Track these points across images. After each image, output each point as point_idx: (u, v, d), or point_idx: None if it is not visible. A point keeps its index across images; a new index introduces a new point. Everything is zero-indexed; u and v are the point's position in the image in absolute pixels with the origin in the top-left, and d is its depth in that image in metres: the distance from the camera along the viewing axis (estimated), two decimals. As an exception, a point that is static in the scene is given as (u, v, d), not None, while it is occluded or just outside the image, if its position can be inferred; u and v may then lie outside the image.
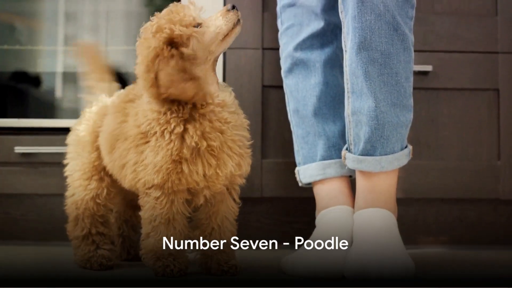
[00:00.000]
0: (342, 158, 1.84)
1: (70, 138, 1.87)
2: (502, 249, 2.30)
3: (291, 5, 1.95)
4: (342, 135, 1.90)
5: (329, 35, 1.93)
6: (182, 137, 1.55)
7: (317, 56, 1.92)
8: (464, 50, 2.31)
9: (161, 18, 1.56)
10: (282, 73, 2.00)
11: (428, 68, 2.25)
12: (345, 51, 1.77)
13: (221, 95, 1.60)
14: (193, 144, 1.54)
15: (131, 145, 1.60)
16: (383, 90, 1.72)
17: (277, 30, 2.06)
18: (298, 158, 1.98)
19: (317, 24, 1.91)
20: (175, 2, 1.60)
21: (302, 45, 1.93)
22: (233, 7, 1.59)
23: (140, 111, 1.61)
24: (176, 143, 1.54)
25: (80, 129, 1.84)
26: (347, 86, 1.78)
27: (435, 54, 2.29)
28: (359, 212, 1.78)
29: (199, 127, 1.54)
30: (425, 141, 2.28)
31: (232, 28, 1.58)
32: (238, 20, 1.59)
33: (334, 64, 1.92)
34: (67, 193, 1.84)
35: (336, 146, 1.90)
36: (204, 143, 1.55)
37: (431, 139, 2.30)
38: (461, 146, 2.31)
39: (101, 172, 1.79)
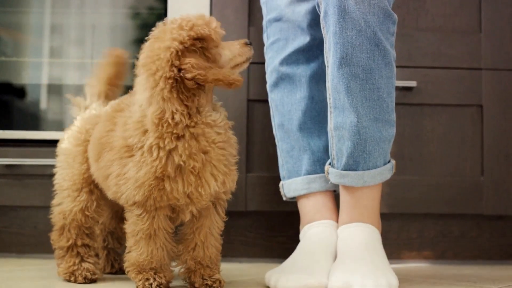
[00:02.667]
0: (325, 173, 1.84)
1: (61, 146, 1.85)
2: (485, 264, 2.31)
3: (277, 19, 1.96)
4: (327, 150, 1.90)
5: (315, 50, 1.94)
6: (169, 154, 1.54)
7: (303, 71, 1.93)
8: (448, 66, 2.32)
9: (195, 18, 1.55)
10: (268, 87, 2.00)
11: (412, 84, 2.27)
12: (327, 66, 1.78)
13: (213, 115, 1.59)
14: (181, 163, 1.54)
15: (115, 156, 1.59)
16: (365, 105, 1.73)
17: (262, 45, 2.07)
18: (282, 172, 1.99)
19: (303, 39, 1.92)
20: (203, 13, 1.60)
21: (288, 60, 1.94)
22: (250, 43, 1.61)
23: (130, 122, 1.58)
24: (162, 160, 1.53)
25: (71, 138, 1.82)
26: (329, 101, 1.79)
27: (419, 70, 2.31)
28: (343, 226, 1.79)
29: (187, 147, 1.54)
30: (409, 156, 2.29)
31: (243, 62, 1.60)
32: (250, 57, 1.61)
33: (320, 78, 1.93)
34: (54, 201, 1.83)
35: (321, 161, 1.91)
36: (192, 163, 1.54)
37: (415, 155, 2.31)
38: (445, 162, 2.32)
39: (91, 184, 1.77)
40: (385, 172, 1.80)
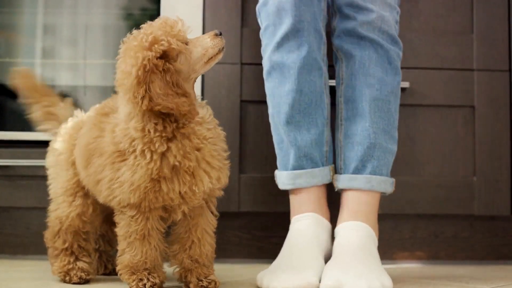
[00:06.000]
0: (333, 181, 1.91)
1: (49, 159, 1.85)
2: (477, 265, 2.32)
3: (265, 4, 1.93)
4: (316, 144, 1.90)
5: (306, 35, 1.88)
6: (163, 156, 1.54)
7: (292, 62, 1.88)
8: (441, 67, 2.33)
9: (156, 29, 1.53)
10: (264, 75, 1.98)
11: (405, 84, 2.27)
12: (341, 83, 1.91)
13: (200, 112, 1.60)
14: (176, 163, 1.54)
15: (106, 161, 1.59)
16: (377, 114, 1.85)
17: (255, 45, 2.07)
18: (277, 161, 1.98)
19: (287, 22, 1.87)
20: (165, 16, 1.60)
21: (278, 47, 1.90)
22: (220, 34, 1.60)
23: (118, 129, 1.58)
24: (157, 163, 1.53)
25: (57, 148, 1.82)
26: (340, 115, 1.91)
27: (412, 71, 2.31)
28: (342, 224, 1.83)
29: (181, 147, 1.54)
30: (401, 157, 2.30)
31: (217, 53, 1.60)
32: (223, 47, 1.60)
33: (312, 68, 1.90)
34: (51, 207, 1.82)
35: (307, 156, 1.90)
36: (187, 163, 1.54)
37: (407, 155, 2.32)
38: (437, 162, 2.33)
39: (84, 188, 1.76)
40: (388, 183, 1.90)
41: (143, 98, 1.49)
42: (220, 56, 1.61)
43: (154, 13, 2.37)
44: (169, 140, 1.54)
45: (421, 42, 2.33)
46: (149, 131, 1.53)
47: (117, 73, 1.55)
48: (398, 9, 1.94)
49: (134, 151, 1.55)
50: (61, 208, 1.78)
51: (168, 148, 1.53)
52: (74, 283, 1.76)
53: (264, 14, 1.93)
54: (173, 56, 1.53)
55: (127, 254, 1.61)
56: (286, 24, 1.87)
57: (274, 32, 1.91)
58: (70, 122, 1.84)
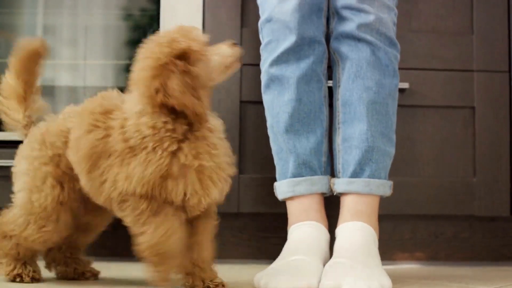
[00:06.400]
0: (331, 185, 1.91)
1: (26, 167, 1.71)
2: (477, 266, 2.32)
3: (268, 20, 1.95)
4: (315, 152, 1.92)
5: (306, 49, 1.93)
6: (173, 154, 1.51)
7: (291, 73, 1.91)
8: (441, 68, 2.33)
9: (173, 33, 1.52)
10: (261, 89, 2.00)
11: (405, 85, 2.27)
12: (338, 86, 1.91)
13: (212, 121, 1.59)
14: (187, 162, 1.51)
15: (115, 161, 1.54)
16: (375, 117, 1.85)
17: (255, 46, 2.07)
18: (276, 173, 1.99)
19: (291, 39, 1.91)
20: (182, 24, 1.59)
21: (278, 61, 1.93)
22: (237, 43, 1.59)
23: (130, 125, 1.53)
24: (167, 160, 1.50)
25: (35, 156, 1.70)
26: (338, 118, 1.91)
27: (411, 72, 2.31)
28: (343, 224, 1.83)
29: (194, 147, 1.52)
30: (401, 158, 2.29)
31: (234, 62, 1.57)
32: (240, 56, 1.58)
33: (311, 79, 1.93)
34: (22, 222, 1.69)
35: (306, 164, 1.91)
36: (196, 163, 1.52)
37: (407, 156, 2.32)
38: (437, 163, 2.32)
39: (61, 210, 1.67)
40: (387, 186, 1.90)
41: (158, 90, 1.47)
42: (237, 66, 1.58)
43: (154, 13, 2.37)
44: (180, 141, 1.51)
45: (421, 42, 2.33)
46: (159, 130, 1.51)
47: (133, 73, 1.53)
48: (396, 11, 1.94)
49: (146, 147, 1.52)
50: (29, 230, 1.67)
51: (180, 148, 1.51)
52: (26, 283, 1.72)
53: (267, 30, 1.96)
54: (194, 60, 1.51)
55: (146, 235, 1.53)
56: (289, 41, 1.91)
57: (276, 47, 1.93)
58: (43, 127, 1.74)
